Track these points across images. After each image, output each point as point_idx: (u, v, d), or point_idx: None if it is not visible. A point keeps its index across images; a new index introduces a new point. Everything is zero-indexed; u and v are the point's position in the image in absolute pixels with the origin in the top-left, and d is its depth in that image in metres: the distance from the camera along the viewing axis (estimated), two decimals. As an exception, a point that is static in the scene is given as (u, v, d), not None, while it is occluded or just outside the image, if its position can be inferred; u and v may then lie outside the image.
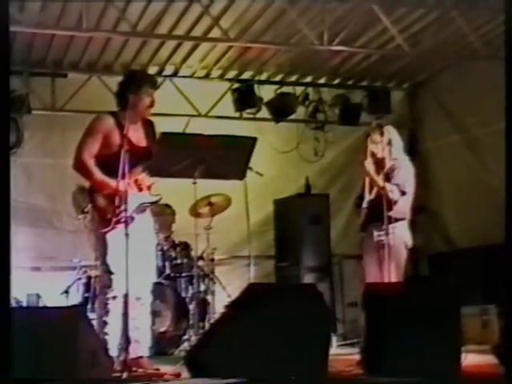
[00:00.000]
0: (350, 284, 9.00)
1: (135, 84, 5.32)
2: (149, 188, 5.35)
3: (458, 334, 4.85)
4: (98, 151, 5.26)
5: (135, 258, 4.97)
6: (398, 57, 8.48)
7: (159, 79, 8.73)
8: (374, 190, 6.03)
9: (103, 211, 5.19)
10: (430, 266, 9.11)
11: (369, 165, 6.00)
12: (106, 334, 5.14)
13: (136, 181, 5.25)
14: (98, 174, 5.23)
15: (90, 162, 5.25)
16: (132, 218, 5.07)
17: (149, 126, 5.43)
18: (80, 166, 5.29)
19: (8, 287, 3.57)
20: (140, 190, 5.25)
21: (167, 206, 7.81)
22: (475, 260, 8.25)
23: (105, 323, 5.19)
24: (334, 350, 7.32)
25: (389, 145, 5.98)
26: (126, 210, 5.03)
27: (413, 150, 9.49)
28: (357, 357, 5.20)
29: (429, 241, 9.16)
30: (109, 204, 5.17)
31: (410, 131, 9.67)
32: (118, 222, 5.11)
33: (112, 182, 5.13)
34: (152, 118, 5.58)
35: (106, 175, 5.20)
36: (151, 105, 5.30)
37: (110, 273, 5.20)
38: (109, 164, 5.17)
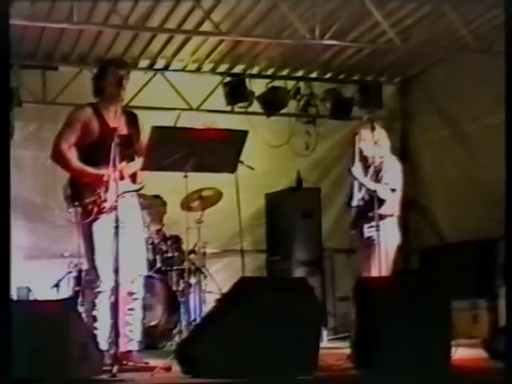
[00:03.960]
0: (341, 278, 9.03)
1: (102, 70, 5.39)
2: (131, 176, 5.32)
3: (449, 327, 4.87)
4: (77, 141, 5.24)
5: (124, 250, 4.94)
6: (390, 51, 8.48)
7: (150, 73, 8.81)
8: (364, 189, 6.07)
9: (86, 201, 5.16)
10: (420, 260, 9.13)
11: (356, 170, 6.03)
12: (95, 328, 5.12)
13: (117, 169, 5.21)
14: (77, 164, 5.20)
15: (68, 153, 5.22)
16: (115, 208, 5.02)
17: (131, 117, 5.40)
18: (57, 157, 5.27)
19: (8, 290, 3.57)
20: (121, 178, 5.21)
21: (157, 196, 7.79)
22: (465, 254, 8.27)
23: (94, 317, 5.17)
24: (325, 343, 7.35)
25: (376, 144, 6.01)
26: (107, 199, 5.04)
27: (404, 144, 9.57)
28: (347, 351, 5.20)
29: (419, 235, 9.18)
30: (91, 194, 5.15)
31: (402, 125, 9.70)
32: (99, 211, 5.10)
33: (91, 171, 5.13)
34: (142, 111, 5.58)
35: (89, 165, 5.18)
36: (119, 83, 5.23)
37: (96, 267, 5.16)
38: (89, 153, 5.18)
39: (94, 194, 5.13)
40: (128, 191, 5.26)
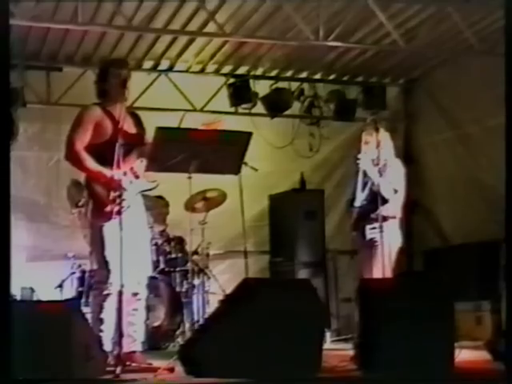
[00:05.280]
0: (344, 279, 9.01)
1: (103, 73, 5.37)
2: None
3: (452, 329, 4.87)
4: (90, 141, 5.21)
5: (130, 252, 4.95)
6: (394, 52, 8.47)
7: (154, 74, 8.82)
8: (367, 188, 6.08)
9: (101, 201, 5.13)
10: (423, 262, 9.13)
11: (364, 157, 6.03)
12: (101, 330, 5.11)
13: (132, 168, 5.23)
14: (93, 164, 5.16)
15: (83, 152, 5.18)
16: (129, 207, 5.03)
17: (135, 118, 5.41)
18: (73, 157, 5.21)
19: (8, 291, 3.58)
20: (136, 177, 5.23)
21: (160, 197, 7.79)
22: (469, 256, 8.27)
23: (100, 320, 5.16)
24: (328, 345, 7.35)
25: (378, 147, 6.01)
26: (124, 199, 5.02)
27: (408, 145, 9.57)
28: (350, 352, 5.21)
29: (423, 237, 9.18)
30: (107, 194, 5.12)
31: (405, 127, 9.70)
32: (118, 211, 5.04)
33: (107, 171, 5.10)
34: (146, 112, 5.60)
35: (103, 165, 5.14)
36: (122, 84, 5.20)
37: (108, 268, 5.14)
38: (102, 153, 5.13)
39: (110, 194, 5.11)
40: (145, 190, 5.28)
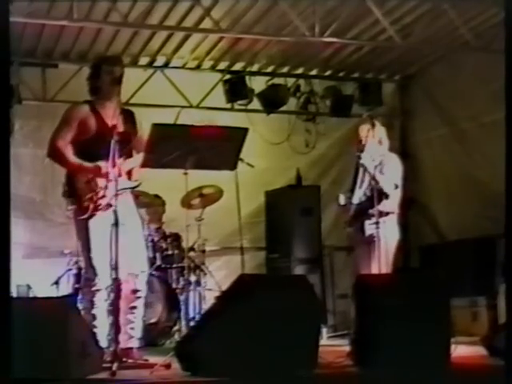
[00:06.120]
0: (341, 276, 9.03)
1: (96, 69, 5.37)
2: (128, 173, 5.32)
3: (448, 325, 4.88)
4: (74, 138, 5.23)
5: (123, 248, 4.93)
6: (390, 49, 8.48)
7: (150, 70, 8.82)
8: (365, 184, 6.08)
9: (81, 198, 5.15)
10: (420, 258, 9.14)
11: (366, 158, 6.03)
12: (94, 326, 5.11)
13: (115, 166, 5.22)
14: (74, 160, 5.18)
15: (65, 149, 5.20)
16: (110, 205, 5.03)
17: (128, 115, 5.40)
18: (54, 153, 5.26)
19: (8, 290, 3.57)
20: (119, 175, 5.22)
21: (157, 196, 7.80)
22: (464, 252, 8.28)
23: (93, 316, 5.16)
24: (324, 341, 7.35)
25: (376, 143, 6.02)
26: (105, 195, 5.03)
27: (404, 141, 9.58)
28: (347, 348, 5.22)
29: (419, 233, 9.19)
30: (87, 190, 5.14)
31: (401, 123, 9.70)
32: (96, 208, 5.09)
33: (90, 166, 5.12)
34: (141, 109, 5.58)
35: (85, 161, 5.16)
36: (114, 81, 5.21)
37: (93, 265, 5.15)
38: (86, 150, 5.16)
39: (91, 190, 5.12)
40: (125, 188, 5.27)
